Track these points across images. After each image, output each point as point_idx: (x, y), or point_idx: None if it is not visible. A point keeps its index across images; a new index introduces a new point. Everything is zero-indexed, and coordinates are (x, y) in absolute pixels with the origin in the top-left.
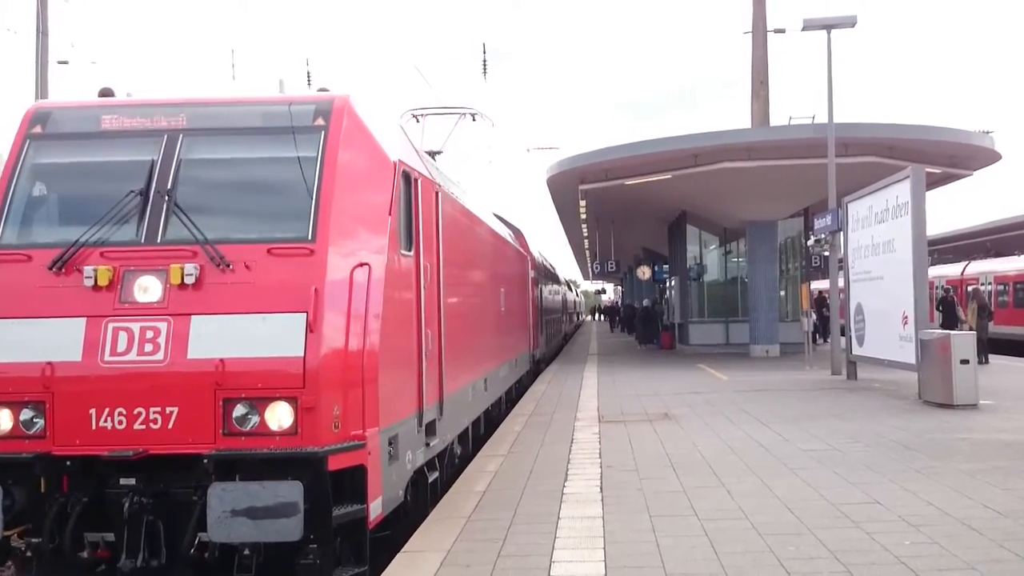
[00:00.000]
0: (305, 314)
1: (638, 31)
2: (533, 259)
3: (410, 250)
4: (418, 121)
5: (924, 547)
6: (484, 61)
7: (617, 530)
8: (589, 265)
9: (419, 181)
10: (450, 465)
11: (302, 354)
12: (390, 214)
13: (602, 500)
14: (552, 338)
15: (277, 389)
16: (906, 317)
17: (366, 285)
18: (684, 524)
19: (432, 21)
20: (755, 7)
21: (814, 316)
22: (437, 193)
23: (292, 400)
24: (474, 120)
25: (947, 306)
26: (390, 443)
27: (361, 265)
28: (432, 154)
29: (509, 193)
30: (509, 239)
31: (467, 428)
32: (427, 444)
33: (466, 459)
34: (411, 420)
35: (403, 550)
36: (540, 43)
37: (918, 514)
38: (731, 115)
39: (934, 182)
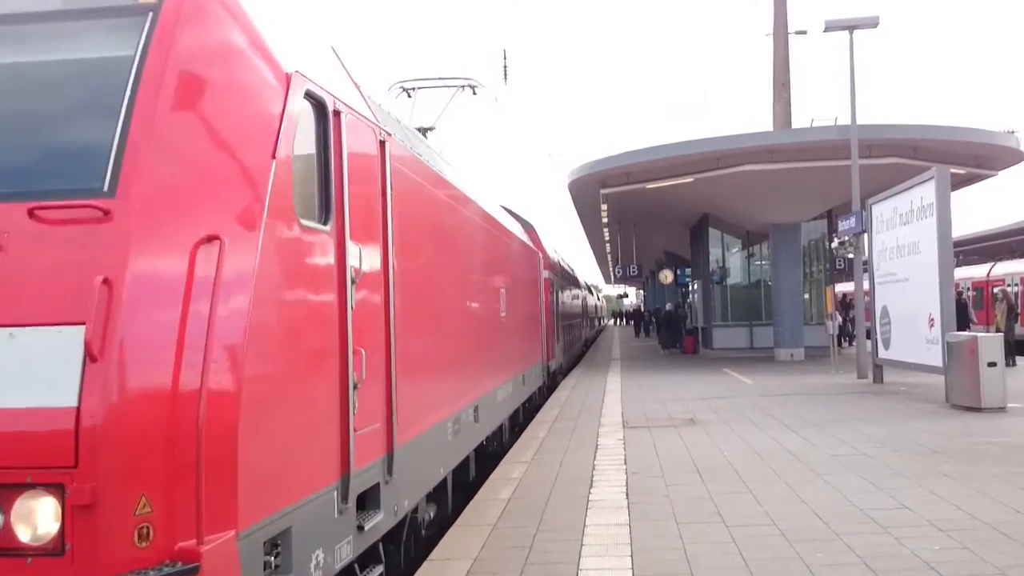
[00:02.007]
0: (83, 327)
1: (655, 34)
2: (547, 257)
3: (325, 222)
4: (409, 96)
5: (954, 552)
6: (504, 67)
7: (644, 537)
8: (611, 269)
9: (344, 117)
10: (412, 540)
11: (75, 403)
12: (274, 156)
13: (628, 507)
14: (571, 345)
15: (30, 469)
16: (932, 319)
17: (215, 274)
18: (711, 531)
19: (453, 24)
20: (776, 8)
21: (839, 319)
22: (383, 144)
23: (56, 489)
24: (475, 93)
25: (959, 308)
26: (273, 548)
27: (210, 240)
28: (423, 131)
29: (530, 198)
30: (516, 232)
31: (445, 478)
32: (360, 527)
33: (444, 522)
34: (324, 496)
35: (429, 558)
36: (561, 47)
37: (947, 519)
38: (748, 118)
39: (959, 183)
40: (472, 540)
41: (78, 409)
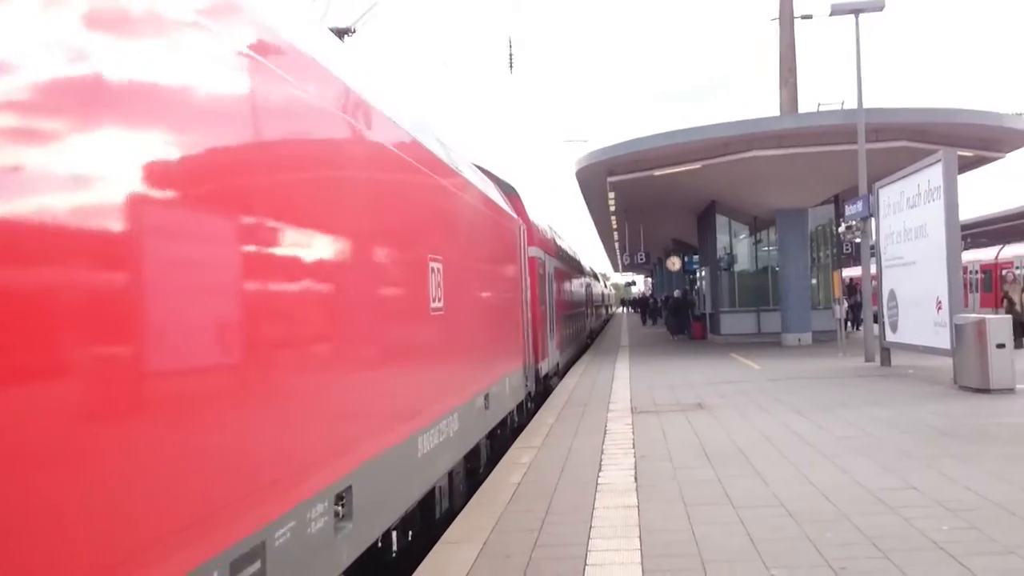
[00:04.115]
0: None
1: (670, 20)
2: (534, 230)
3: None
4: None
5: (962, 532)
6: (510, 55)
7: (652, 519)
8: (619, 257)
9: None
10: None
11: None
12: None
13: (637, 490)
14: (572, 340)
15: None
16: (940, 302)
17: None
18: (719, 512)
19: (457, 13)
20: None
21: (846, 303)
22: None
23: None
24: None
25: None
26: None
27: None
28: (339, 32)
29: (542, 188)
30: (478, 185)
31: None
32: None
33: None
34: None
35: (441, 540)
36: (568, 35)
37: (956, 499)
38: (764, 102)
39: (966, 165)
40: (482, 523)
41: None
